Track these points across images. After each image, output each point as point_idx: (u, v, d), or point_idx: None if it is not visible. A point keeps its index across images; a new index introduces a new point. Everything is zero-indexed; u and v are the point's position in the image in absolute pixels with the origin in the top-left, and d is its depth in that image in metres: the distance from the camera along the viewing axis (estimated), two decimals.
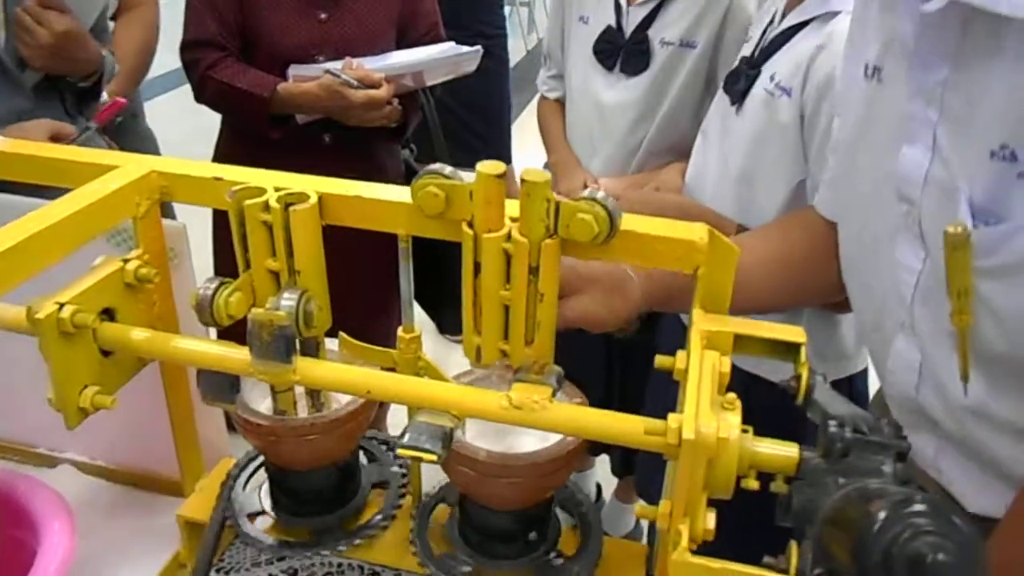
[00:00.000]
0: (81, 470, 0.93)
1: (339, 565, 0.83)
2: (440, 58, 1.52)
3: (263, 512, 0.76)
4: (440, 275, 1.88)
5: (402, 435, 0.57)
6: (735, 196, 1.11)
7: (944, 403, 0.72)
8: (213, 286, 0.62)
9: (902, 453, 0.50)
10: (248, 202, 0.62)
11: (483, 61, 2.06)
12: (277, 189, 0.63)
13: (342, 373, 0.60)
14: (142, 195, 0.67)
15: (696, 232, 0.58)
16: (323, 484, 0.74)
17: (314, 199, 0.63)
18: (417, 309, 1.89)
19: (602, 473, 2.02)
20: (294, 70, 1.45)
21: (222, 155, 1.63)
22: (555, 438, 0.66)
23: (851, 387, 1.18)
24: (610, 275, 0.75)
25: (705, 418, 0.49)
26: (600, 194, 0.56)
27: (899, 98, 0.69)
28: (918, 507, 0.41)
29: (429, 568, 0.70)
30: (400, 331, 0.68)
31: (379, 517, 0.75)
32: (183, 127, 2.51)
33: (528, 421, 0.56)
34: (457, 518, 0.73)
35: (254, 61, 1.49)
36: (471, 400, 0.58)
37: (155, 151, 1.82)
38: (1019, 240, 0.61)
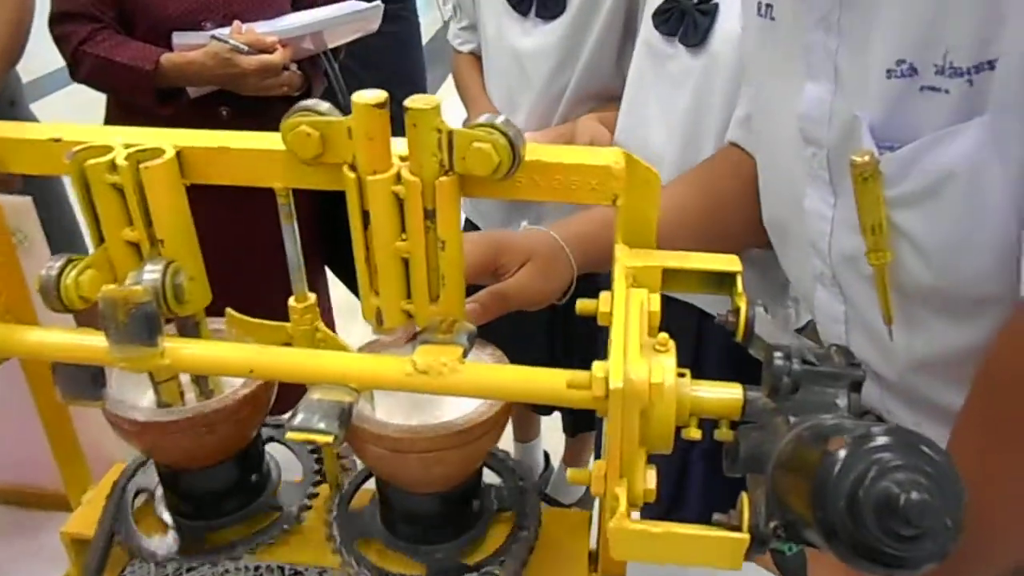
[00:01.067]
0: None
1: (256, 568, 0.75)
2: (338, 16, 1.41)
3: (159, 520, 0.67)
4: None
5: (292, 416, 0.49)
6: (682, 145, 1.05)
7: (876, 352, 0.68)
8: (59, 264, 0.53)
9: (856, 382, 0.44)
10: (91, 162, 0.53)
11: (394, 26, 1.95)
12: (127, 146, 0.54)
13: (219, 352, 0.52)
14: None
15: (610, 157, 0.51)
16: (222, 482, 0.66)
17: (171, 154, 0.54)
18: (339, 284, 1.78)
19: (549, 440, 1.97)
20: (177, 38, 1.33)
21: None
22: (472, 406, 0.59)
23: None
24: (546, 246, 0.69)
25: (635, 364, 0.43)
26: (500, 119, 0.49)
27: (797, 31, 0.64)
28: (881, 440, 0.35)
29: (351, 565, 0.63)
30: (291, 301, 0.59)
31: (293, 510, 0.67)
32: (87, 120, 2.33)
33: (435, 387, 0.49)
34: (378, 503, 0.66)
35: (134, 32, 1.36)
36: (369, 369, 0.50)
37: None
38: (928, 160, 0.57)
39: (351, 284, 1.98)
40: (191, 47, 1.31)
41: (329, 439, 0.48)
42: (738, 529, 0.44)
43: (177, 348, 0.51)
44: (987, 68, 0.53)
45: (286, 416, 0.52)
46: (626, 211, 0.52)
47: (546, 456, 1.98)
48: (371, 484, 0.70)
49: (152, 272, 0.52)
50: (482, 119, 0.49)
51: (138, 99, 1.35)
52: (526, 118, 1.32)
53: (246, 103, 1.40)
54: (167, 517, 0.67)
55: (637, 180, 0.52)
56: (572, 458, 1.88)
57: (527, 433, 1.88)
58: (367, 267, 0.54)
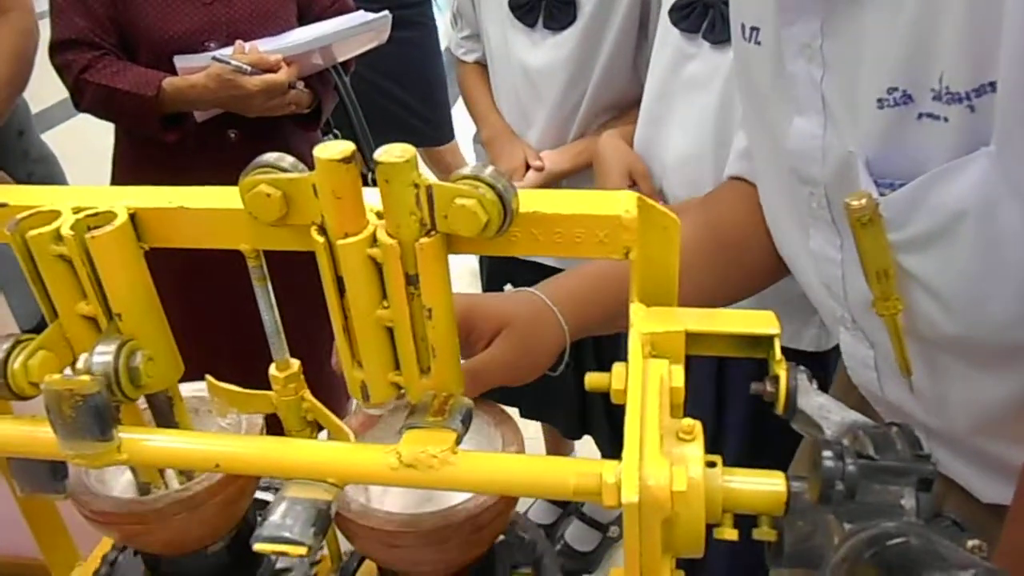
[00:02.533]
0: None
1: None
2: (346, 28, 1.35)
3: None
4: None
5: (264, 519, 0.43)
6: (714, 147, 0.96)
7: (912, 397, 0.60)
8: (5, 347, 0.47)
9: (926, 480, 0.36)
10: (32, 233, 0.47)
11: (408, 32, 1.88)
12: (77, 210, 0.48)
13: (181, 444, 0.46)
14: None
15: (620, 204, 0.44)
16: (210, 566, 0.60)
17: (123, 218, 0.48)
18: None
19: (586, 451, 1.90)
20: (179, 61, 1.28)
21: (121, 167, 1.46)
22: None
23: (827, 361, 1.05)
24: (527, 311, 0.59)
25: (653, 467, 0.35)
26: (488, 170, 0.42)
27: (781, 60, 0.56)
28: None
29: None
30: (272, 369, 0.53)
31: None
32: (97, 148, 2.30)
33: (424, 482, 0.42)
34: None
35: (137, 56, 1.31)
36: (350, 461, 0.44)
37: (55, 173, 1.64)
38: (934, 198, 0.49)
39: None
40: (194, 70, 1.26)
41: (302, 551, 0.41)
42: None
43: (135, 441, 0.45)
44: (989, 90, 0.45)
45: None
46: (642, 265, 0.45)
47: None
48: None
49: (103, 355, 0.46)
50: (466, 171, 0.42)
51: (142, 126, 1.30)
52: (540, 135, 1.24)
53: (255, 125, 1.34)
54: None
55: (653, 228, 0.44)
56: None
57: (559, 448, 1.81)
58: (346, 338, 0.47)
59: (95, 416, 0.44)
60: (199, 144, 1.35)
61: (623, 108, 1.19)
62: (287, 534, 0.41)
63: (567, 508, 1.77)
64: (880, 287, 0.53)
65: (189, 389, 0.60)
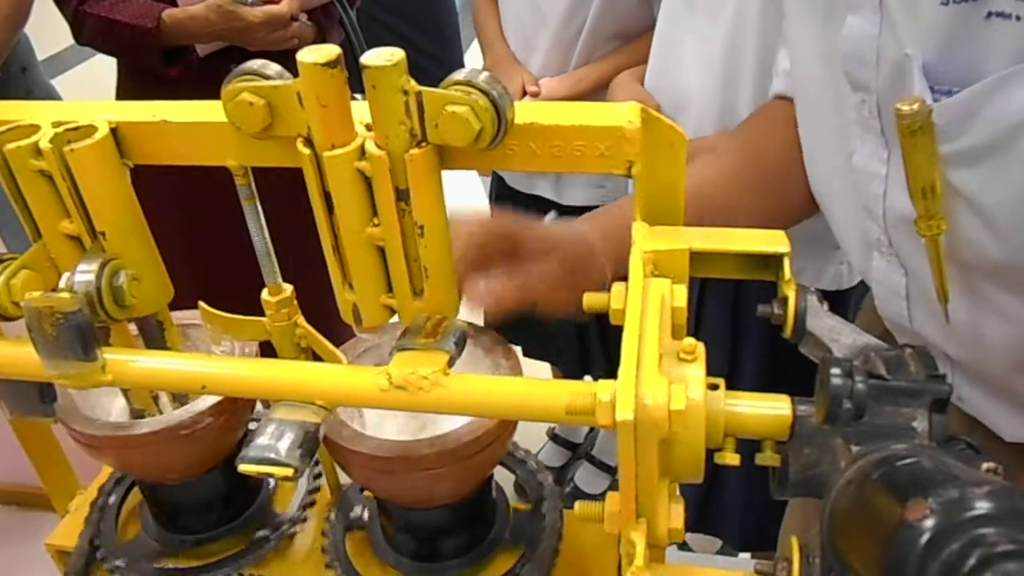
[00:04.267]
0: None
1: None
2: None
3: (142, 531, 0.62)
4: None
5: (250, 440, 0.42)
6: (721, 85, 0.92)
7: (943, 329, 0.57)
8: None
9: (940, 400, 0.34)
10: (10, 147, 0.45)
11: None
12: (56, 123, 0.46)
13: (167, 365, 0.44)
14: None
15: (623, 115, 0.41)
16: (207, 494, 0.59)
17: (104, 131, 0.46)
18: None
19: None
20: None
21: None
22: None
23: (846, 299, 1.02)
24: (574, 242, 0.56)
25: (650, 384, 0.34)
26: (482, 76, 0.39)
27: None
28: (981, 507, 0.25)
29: None
30: (264, 294, 0.52)
31: (285, 525, 0.60)
32: (109, 94, 2.27)
33: (415, 404, 0.41)
34: (377, 515, 0.59)
35: None
36: (337, 384, 0.42)
37: None
38: (994, 107, 0.45)
39: None
40: (194, 1, 1.23)
41: (290, 472, 0.40)
42: None
43: (121, 362, 0.44)
44: None
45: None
46: (645, 180, 0.43)
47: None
48: None
49: (85, 273, 0.45)
50: (458, 75, 0.39)
51: (142, 60, 1.27)
52: (543, 62, 1.20)
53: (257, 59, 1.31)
54: (151, 527, 0.61)
55: (658, 142, 0.42)
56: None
57: None
58: (336, 258, 0.45)
59: (77, 335, 0.42)
60: (201, 79, 1.31)
61: (628, 37, 1.15)
62: (273, 455, 0.40)
63: (577, 451, 1.77)
64: (924, 204, 0.50)
65: (183, 317, 0.58)
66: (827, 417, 0.33)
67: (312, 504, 0.62)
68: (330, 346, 0.52)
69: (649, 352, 0.35)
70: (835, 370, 0.33)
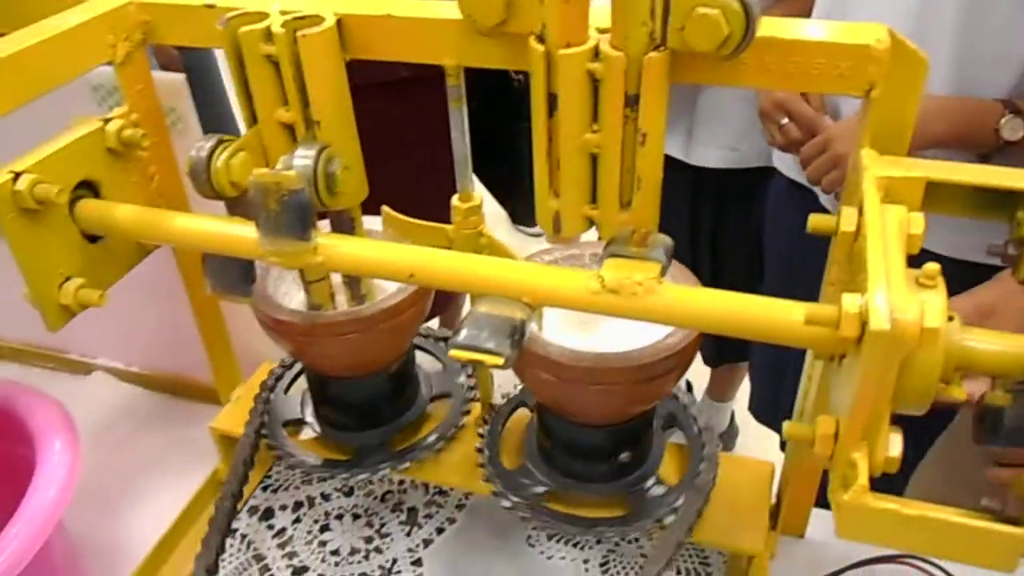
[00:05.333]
0: (117, 377, 0.84)
1: (400, 483, 0.71)
2: None
3: (304, 423, 0.64)
4: (515, 164, 1.69)
5: (457, 331, 0.43)
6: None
7: None
8: (209, 145, 0.48)
9: None
10: (244, 30, 0.47)
11: None
12: (284, 12, 0.48)
13: (377, 251, 0.46)
14: (118, 34, 0.52)
15: (871, 33, 0.40)
16: (370, 393, 0.61)
17: (331, 22, 0.47)
18: (489, 199, 1.73)
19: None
20: None
21: None
22: (657, 333, 0.50)
23: None
24: None
25: (902, 299, 0.33)
26: None
27: None
28: None
29: (496, 485, 0.57)
30: (455, 200, 0.52)
31: (434, 436, 0.62)
32: None
33: (627, 310, 0.41)
34: (535, 428, 0.59)
35: None
36: (548, 282, 0.43)
37: None
38: None
39: (499, 193, 1.91)
40: None
41: (499, 361, 0.41)
42: (1016, 523, 0.34)
43: (332, 245, 0.46)
44: None
45: (435, 324, 0.46)
46: (882, 105, 0.41)
47: (688, 385, 1.88)
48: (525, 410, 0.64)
49: (304, 157, 0.46)
50: None
51: None
52: None
53: None
54: (314, 422, 0.64)
55: (902, 66, 0.40)
56: (717, 390, 1.77)
57: (723, 391, 1.76)
58: (547, 163, 0.46)
59: (298, 213, 0.44)
60: None
61: None
62: (485, 344, 0.41)
63: None
64: None
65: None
66: None
67: (467, 414, 0.64)
68: (516, 256, 0.52)
69: (896, 271, 0.34)
70: None
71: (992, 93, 0.78)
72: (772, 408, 1.29)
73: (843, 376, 0.37)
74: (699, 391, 1.79)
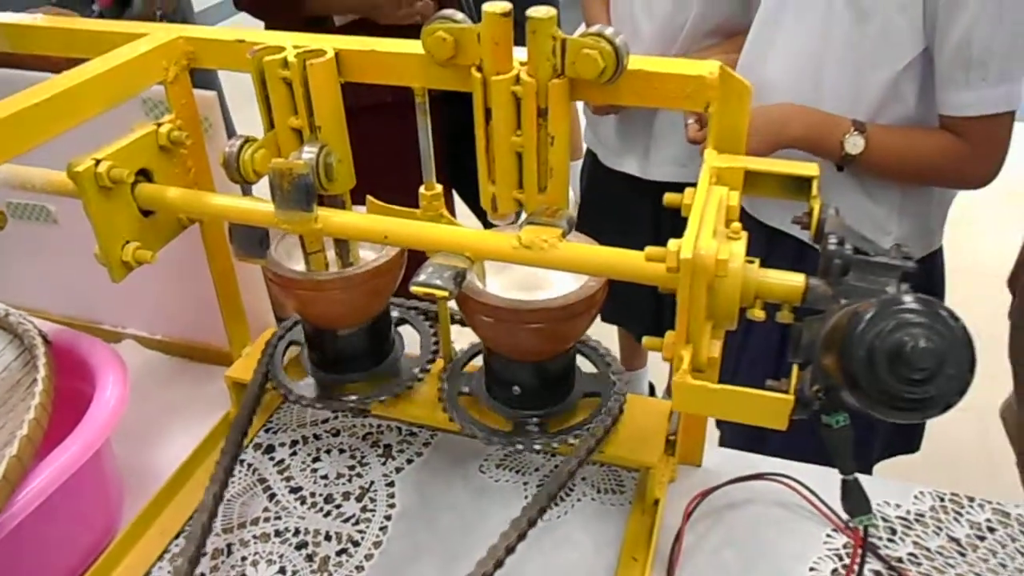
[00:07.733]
0: (142, 344, 1.00)
1: (378, 426, 0.87)
2: None
3: (303, 370, 0.80)
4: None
5: (418, 274, 0.59)
6: (812, 84, 1.06)
7: None
8: (239, 143, 0.65)
9: (907, 273, 0.49)
10: (268, 59, 0.64)
11: None
12: (296, 47, 0.65)
13: (361, 219, 0.63)
14: (170, 60, 0.69)
15: (706, 67, 0.57)
16: (355, 344, 0.78)
17: (331, 54, 0.64)
18: (458, 201, 1.89)
19: (656, 372, 2.04)
20: None
21: None
22: (577, 287, 0.67)
23: (932, 264, 1.15)
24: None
25: (706, 241, 0.50)
26: (608, 30, 0.56)
27: None
28: (907, 303, 0.41)
29: (454, 419, 0.73)
30: (422, 189, 0.69)
31: (411, 375, 0.78)
32: None
33: (536, 260, 0.58)
34: (483, 372, 0.76)
35: None
36: (483, 241, 0.60)
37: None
38: None
39: (474, 206, 2.09)
40: None
41: (445, 294, 0.58)
42: (786, 393, 0.51)
43: (328, 216, 0.62)
44: None
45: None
46: (718, 118, 0.59)
47: (651, 388, 2.06)
48: (478, 361, 0.80)
49: (309, 152, 0.63)
50: (593, 28, 0.56)
51: (289, 26, 1.48)
52: (645, 51, 1.36)
53: (386, 33, 1.50)
54: (309, 369, 0.80)
55: (730, 91, 0.58)
56: (628, 359, 1.94)
57: (634, 362, 1.95)
58: (487, 158, 0.63)
59: (304, 191, 0.61)
60: None
61: (725, 34, 1.29)
62: (436, 281, 0.58)
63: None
64: None
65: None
66: (823, 272, 0.49)
67: (430, 367, 0.80)
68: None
69: (707, 225, 0.51)
70: (832, 239, 0.49)
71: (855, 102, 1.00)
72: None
73: (678, 299, 0.54)
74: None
